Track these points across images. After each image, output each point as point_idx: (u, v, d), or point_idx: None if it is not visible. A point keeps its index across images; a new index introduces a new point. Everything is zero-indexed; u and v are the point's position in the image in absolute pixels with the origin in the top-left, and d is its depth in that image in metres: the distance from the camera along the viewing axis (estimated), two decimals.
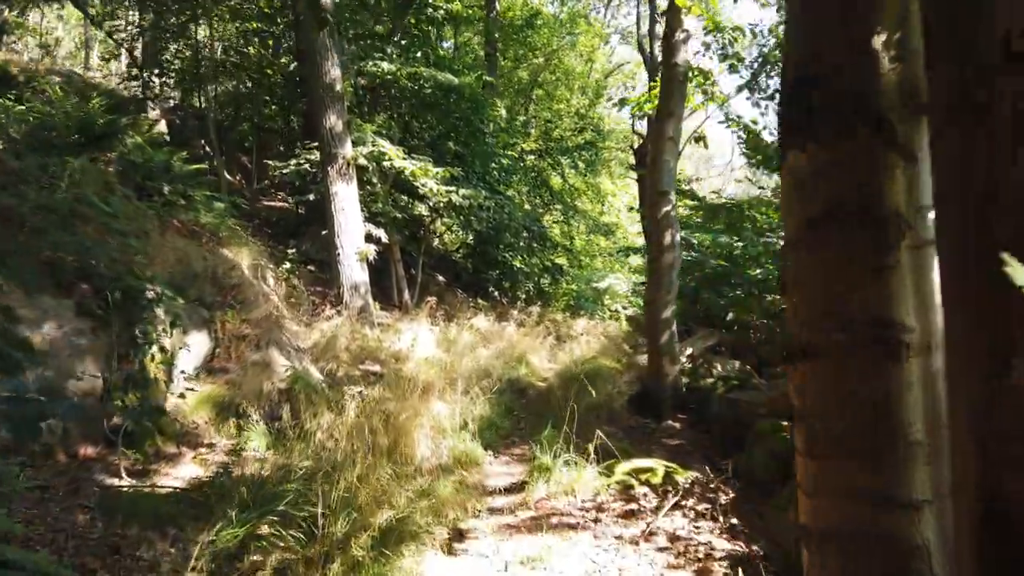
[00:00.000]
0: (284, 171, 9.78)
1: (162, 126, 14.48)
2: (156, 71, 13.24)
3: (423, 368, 7.07)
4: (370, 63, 9.88)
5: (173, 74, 13.53)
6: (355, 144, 8.94)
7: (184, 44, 12.99)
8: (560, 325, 14.71)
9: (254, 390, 5.45)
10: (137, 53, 14.24)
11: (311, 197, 9.71)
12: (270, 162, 9.99)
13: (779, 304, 8.77)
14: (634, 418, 6.24)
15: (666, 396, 6.19)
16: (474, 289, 16.30)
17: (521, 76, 18.72)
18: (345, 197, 8.69)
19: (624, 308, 21.96)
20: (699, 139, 6.69)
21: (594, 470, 4.43)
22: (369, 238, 9.30)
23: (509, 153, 12.91)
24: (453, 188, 9.75)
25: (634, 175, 15.36)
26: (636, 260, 23.76)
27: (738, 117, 6.88)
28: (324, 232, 9.08)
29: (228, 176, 15.22)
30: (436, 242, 19.82)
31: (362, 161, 8.74)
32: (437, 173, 9.24)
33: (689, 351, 8.77)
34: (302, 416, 5.01)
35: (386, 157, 8.90)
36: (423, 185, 9.49)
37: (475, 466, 4.77)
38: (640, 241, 20.41)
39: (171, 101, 16.14)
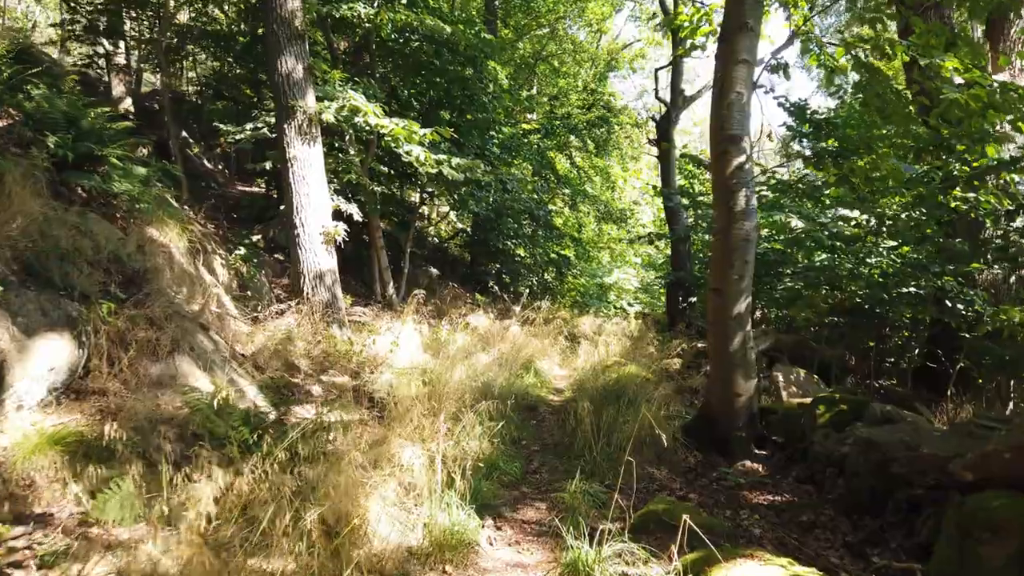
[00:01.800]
0: (236, 137, 7.95)
1: (127, 103, 12.78)
2: (114, 42, 11.43)
3: (401, 382, 5.26)
4: (344, 5, 8.04)
5: (135, 46, 11.69)
6: (322, 99, 7.11)
7: (144, 14, 11.13)
8: (570, 323, 12.96)
9: (138, 422, 3.64)
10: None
11: (267, 166, 7.87)
12: (221, 125, 8.15)
13: (857, 298, 6.96)
14: (692, 454, 4.43)
15: (739, 425, 4.39)
16: (472, 283, 14.51)
17: (524, 49, 16.89)
18: (306, 162, 6.87)
19: (631, 305, 20.21)
20: (778, 68, 4.86)
21: None
22: (339, 216, 7.48)
23: (508, 130, 11.02)
24: (445, 157, 7.92)
25: (652, 154, 13.52)
26: (646, 253, 22.06)
27: (821, 46, 5.04)
28: (282, 208, 7.27)
29: (208, 163, 13.45)
30: (432, 230, 18.02)
31: (328, 118, 6.92)
32: (424, 136, 7.42)
33: None
34: (197, 466, 3.19)
35: (360, 113, 7.07)
36: (408, 153, 7.66)
37: (466, 552, 2.96)
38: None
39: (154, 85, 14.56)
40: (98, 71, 12.94)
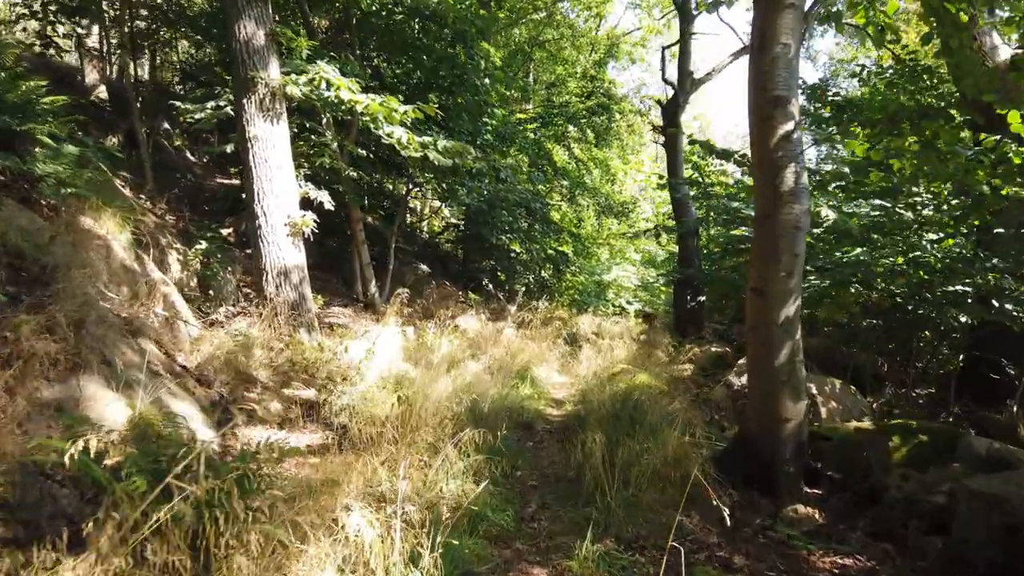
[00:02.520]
0: (196, 116, 7.04)
1: (102, 92, 11.85)
2: (87, 25, 10.50)
3: (371, 399, 4.39)
4: None
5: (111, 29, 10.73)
6: (289, 73, 6.22)
7: None
8: (569, 323, 12.11)
9: (10, 467, 2.76)
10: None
11: (228, 149, 6.97)
12: (179, 104, 7.24)
13: (897, 298, 6.13)
14: (726, 493, 3.58)
15: (785, 456, 3.54)
16: (465, 281, 13.63)
17: (520, 35, 15.98)
18: (269, 143, 5.98)
19: (630, 303, 19.35)
20: (828, 18, 4.00)
21: None
22: (308, 205, 6.59)
23: (501, 112, 10.08)
24: (430, 140, 7.04)
25: (658, 142, 12.65)
26: (647, 249, 21.17)
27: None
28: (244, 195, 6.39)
29: (191, 155, 12.50)
30: (424, 225, 17.12)
31: (294, 91, 6.02)
32: (406, 113, 6.53)
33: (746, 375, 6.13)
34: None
35: (332, 87, 6.17)
36: (389, 135, 6.77)
37: None
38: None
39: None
40: (59, 53, 11.99)
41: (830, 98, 7.48)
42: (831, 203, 6.50)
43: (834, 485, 3.52)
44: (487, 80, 9.11)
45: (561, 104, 15.02)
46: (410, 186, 9.09)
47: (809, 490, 3.55)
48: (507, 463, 3.76)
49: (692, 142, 9.31)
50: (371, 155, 8.17)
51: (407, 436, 3.70)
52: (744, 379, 6.09)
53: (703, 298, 10.40)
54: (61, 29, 11.21)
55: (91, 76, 11.79)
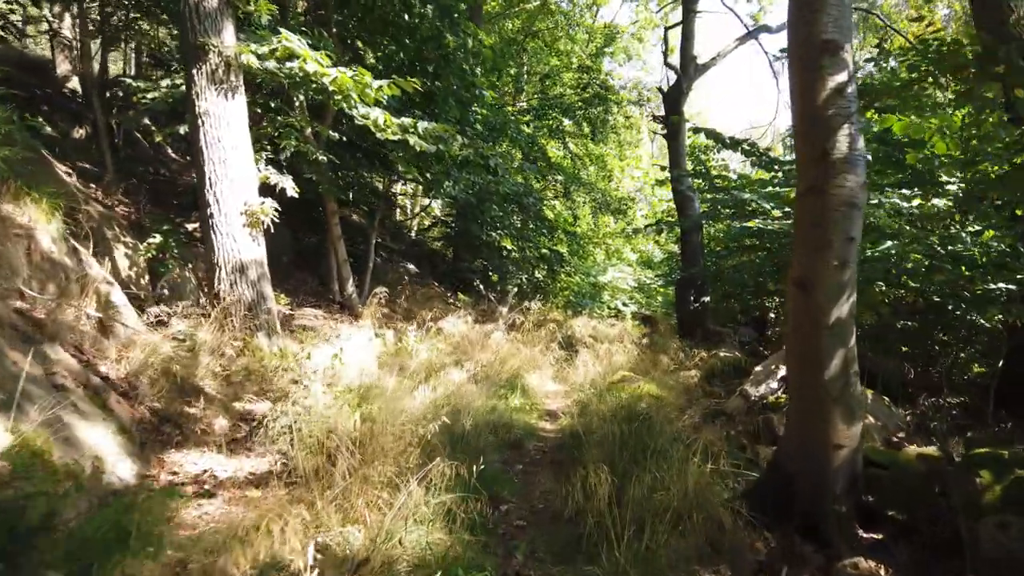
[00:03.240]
0: (148, 96, 6.27)
1: (74, 83, 11.08)
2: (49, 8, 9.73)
3: (326, 417, 3.63)
4: None
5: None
6: (248, 41, 5.47)
7: None
8: (564, 325, 11.41)
9: None
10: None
11: (181, 130, 6.21)
12: (130, 81, 6.47)
13: (935, 297, 5.45)
14: (761, 537, 2.85)
15: (836, 492, 2.82)
16: (454, 281, 12.89)
17: (513, 26, 15.27)
18: (222, 120, 5.23)
19: (625, 305, 18.63)
20: None
21: None
22: (268, 191, 5.84)
23: (491, 95, 9.32)
24: (411, 122, 6.31)
25: (659, 131, 11.97)
26: (643, 249, 20.45)
27: None
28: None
29: (171, 151, 11.69)
30: (412, 222, 16.36)
31: (251, 62, 5.27)
32: (380, 89, 5.79)
33: (783, 370, 5.42)
34: None
35: (297, 59, 5.43)
36: (364, 116, 6.04)
37: None
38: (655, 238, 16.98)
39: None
40: (20, 38, 11.20)
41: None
42: None
43: (897, 529, 2.79)
44: (475, 63, 8.38)
45: (555, 96, 14.32)
46: (392, 177, 8.35)
47: (865, 535, 2.84)
48: (487, 501, 3.01)
49: (696, 130, 8.61)
50: (346, 140, 7.40)
51: (364, 467, 2.96)
52: (762, 388, 5.39)
53: (707, 299, 9.69)
54: (21, 15, 10.44)
55: (63, 67, 11.08)
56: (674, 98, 9.98)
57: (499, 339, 7.43)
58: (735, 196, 8.12)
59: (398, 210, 17.26)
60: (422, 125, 6.24)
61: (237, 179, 5.34)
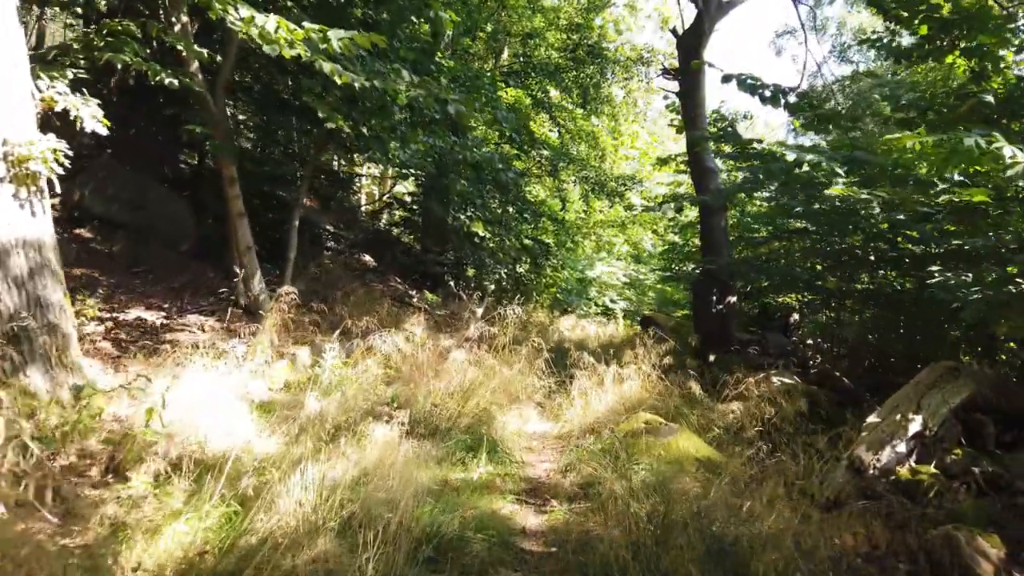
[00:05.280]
0: None
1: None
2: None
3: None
4: None
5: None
6: None
7: None
8: (550, 332, 9.29)
9: None
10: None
11: None
12: None
13: None
14: None
15: None
16: (421, 276, 10.68)
17: None
18: None
19: (614, 302, 16.56)
20: None
21: None
22: (52, 124, 3.56)
23: (451, 22, 6.87)
24: (316, 27, 4.08)
25: (667, 90, 9.80)
26: (645, 236, 18.37)
27: None
28: None
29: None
30: (376, 206, 14.05)
31: None
32: None
33: (918, 421, 3.33)
34: None
35: None
36: (246, 21, 3.83)
37: None
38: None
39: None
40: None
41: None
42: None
43: None
44: None
45: (540, 61, 12.11)
46: (315, 130, 6.06)
47: None
48: None
49: (727, 78, 6.43)
50: (261, 87, 5.13)
51: None
52: (886, 454, 3.28)
53: (733, 298, 7.60)
54: None
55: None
56: (692, 44, 7.81)
57: (461, 360, 5.23)
58: (781, 162, 6.02)
59: (364, 196, 14.96)
60: (336, 36, 4.00)
61: None
